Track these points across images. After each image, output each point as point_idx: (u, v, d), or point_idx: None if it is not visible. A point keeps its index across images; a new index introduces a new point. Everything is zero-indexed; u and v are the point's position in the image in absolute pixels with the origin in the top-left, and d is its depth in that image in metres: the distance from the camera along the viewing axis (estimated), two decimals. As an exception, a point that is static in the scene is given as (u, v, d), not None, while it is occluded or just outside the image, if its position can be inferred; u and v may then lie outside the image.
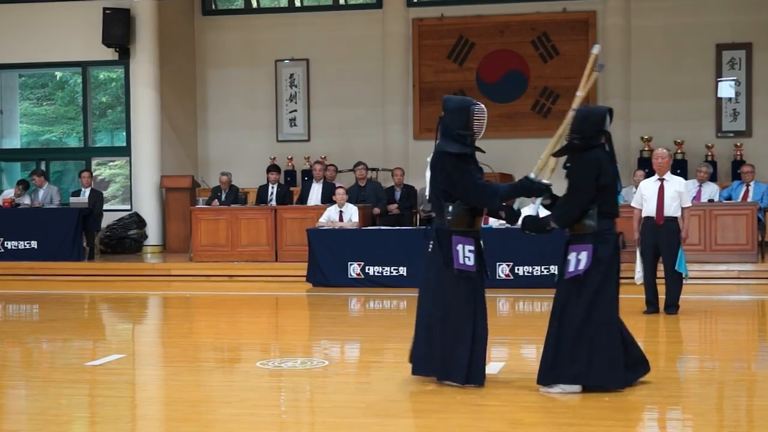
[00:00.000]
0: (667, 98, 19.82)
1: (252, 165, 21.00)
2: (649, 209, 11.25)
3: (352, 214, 15.49)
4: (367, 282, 14.62)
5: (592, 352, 6.93)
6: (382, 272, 14.66)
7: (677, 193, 11.25)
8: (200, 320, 12.47)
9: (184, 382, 7.95)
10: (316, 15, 21.85)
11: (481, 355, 7.29)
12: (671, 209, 11.19)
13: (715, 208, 15.27)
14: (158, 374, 8.54)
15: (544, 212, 7.41)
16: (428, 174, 7.38)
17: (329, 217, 15.48)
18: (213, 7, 22.26)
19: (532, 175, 7.33)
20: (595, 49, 7.72)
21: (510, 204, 7.44)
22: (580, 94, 7.56)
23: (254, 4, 22.36)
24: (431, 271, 7.36)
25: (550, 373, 7.05)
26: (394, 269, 14.61)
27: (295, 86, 21.72)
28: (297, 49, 21.57)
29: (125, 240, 19.27)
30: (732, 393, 7.34)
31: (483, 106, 7.37)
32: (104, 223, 19.18)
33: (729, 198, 15.93)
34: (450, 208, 7.25)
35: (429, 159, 7.38)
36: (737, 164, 18.18)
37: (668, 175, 11.37)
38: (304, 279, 14.98)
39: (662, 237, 11.15)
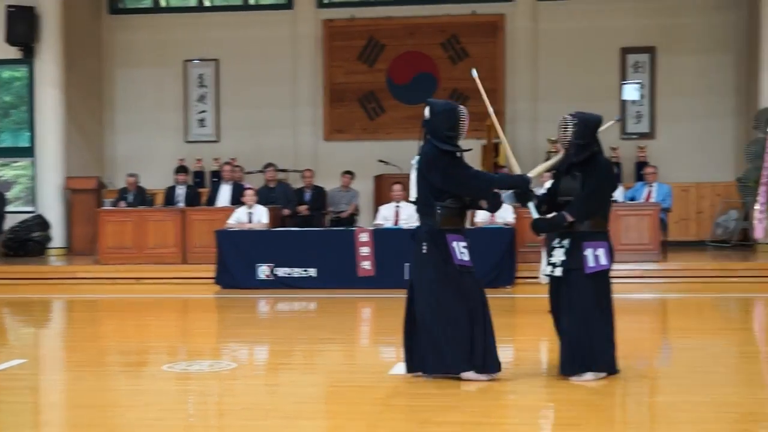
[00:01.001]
0: (574, 100, 20.00)
1: (160, 166, 20.76)
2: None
3: (261, 216, 15.41)
4: (277, 284, 14.56)
5: (604, 340, 7.56)
6: (291, 274, 14.61)
7: None
8: (106, 324, 12.27)
9: (89, 386, 7.81)
10: (225, 15, 21.71)
11: (494, 343, 7.49)
12: None
13: (620, 208, 15.49)
14: (62, 379, 8.39)
15: (533, 211, 7.70)
16: (413, 176, 7.55)
17: (238, 218, 15.38)
18: (121, 5, 21.97)
19: (531, 174, 7.74)
20: (474, 73, 8.42)
21: (497, 193, 7.70)
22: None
23: (163, 4, 22.13)
24: (428, 271, 7.47)
25: (581, 362, 7.45)
26: (304, 271, 14.57)
27: (205, 86, 21.55)
28: (206, 49, 21.40)
29: (28, 242, 18.90)
30: (635, 390, 7.45)
31: (465, 108, 7.66)
32: (6, 226, 18.79)
33: (633, 199, 16.21)
34: (438, 209, 7.43)
35: (414, 161, 7.55)
36: (641, 166, 18.51)
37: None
38: (213, 281, 14.86)
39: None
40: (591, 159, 7.55)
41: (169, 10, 22.17)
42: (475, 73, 8.38)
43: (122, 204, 17.50)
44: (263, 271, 14.66)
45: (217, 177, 19.03)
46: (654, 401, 7.23)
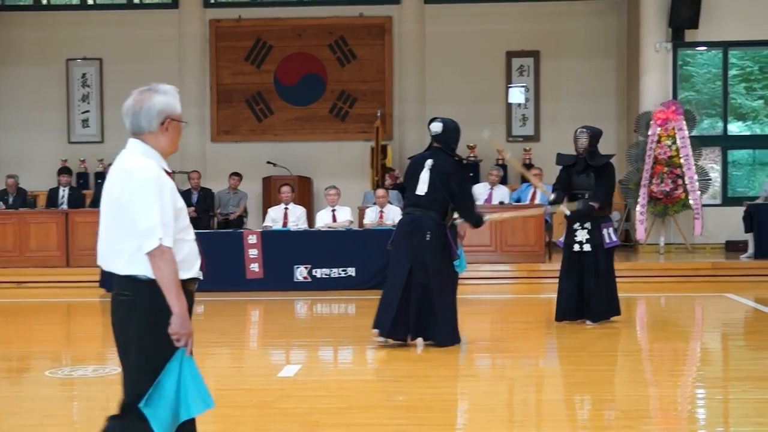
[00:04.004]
0: (461, 103, 20.32)
1: (42, 167, 20.35)
2: None
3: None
4: (163, 286, 14.36)
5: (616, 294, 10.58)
6: (178, 276, 14.41)
7: None
8: (-14, 328, 11.96)
9: (-31, 393, 7.61)
10: (109, 13, 21.35)
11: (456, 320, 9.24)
12: None
13: (505, 210, 15.70)
14: (-60, 386, 8.15)
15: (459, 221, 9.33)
16: (425, 175, 9.03)
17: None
18: (2, 2, 21.43)
19: (486, 218, 9.61)
20: (485, 134, 10.98)
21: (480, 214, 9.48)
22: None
23: (45, 1, 21.65)
24: (427, 254, 8.90)
25: (606, 309, 10.40)
26: (191, 273, 14.39)
27: (88, 86, 21.18)
28: (90, 48, 21.04)
29: None
30: (521, 388, 7.58)
31: None
32: None
33: (518, 200, 16.46)
34: (448, 208, 9.03)
35: (428, 164, 9.05)
36: (526, 167, 18.77)
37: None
38: (98, 284, 14.59)
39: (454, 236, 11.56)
40: (606, 160, 10.43)
41: (52, 7, 21.72)
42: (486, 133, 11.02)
43: (1, 206, 17.07)
44: (149, 273, 14.44)
45: (102, 178, 18.71)
46: (540, 399, 7.36)
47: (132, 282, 4.11)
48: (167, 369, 4.09)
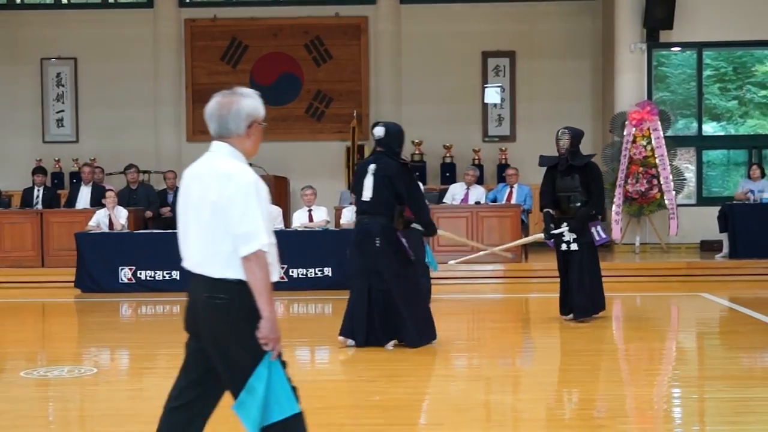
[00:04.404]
0: (437, 103, 20.36)
1: (16, 167, 20.23)
2: None
3: (120, 218, 15.14)
4: (139, 287, 14.33)
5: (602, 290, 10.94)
6: (154, 277, 14.40)
7: None
8: (-40, 329, 11.87)
9: (-57, 394, 7.56)
10: (84, 13, 21.21)
11: (431, 317, 9.29)
12: None
13: (482, 210, 15.78)
14: None
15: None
16: (369, 180, 8.98)
17: (99, 220, 15.08)
18: (-26, 1, 21.31)
19: (439, 232, 10.05)
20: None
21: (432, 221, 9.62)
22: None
23: (19, 0, 21.50)
24: (381, 260, 8.90)
25: (588, 305, 10.55)
26: (167, 273, 14.37)
27: (63, 86, 21.06)
28: (64, 47, 20.91)
29: None
30: (498, 388, 7.60)
31: None
32: None
33: (495, 200, 16.49)
34: (396, 210, 9.00)
35: (371, 168, 8.99)
36: (502, 167, 18.86)
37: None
38: (73, 285, 14.54)
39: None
40: (594, 165, 10.75)
41: (26, 6, 21.57)
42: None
43: (-24, 206, 16.96)
44: (125, 274, 14.42)
45: (77, 178, 18.62)
46: (516, 399, 7.38)
47: (227, 285, 4.17)
48: (257, 373, 4.15)
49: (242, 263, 4.11)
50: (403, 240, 9.08)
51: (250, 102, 4.40)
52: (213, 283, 4.20)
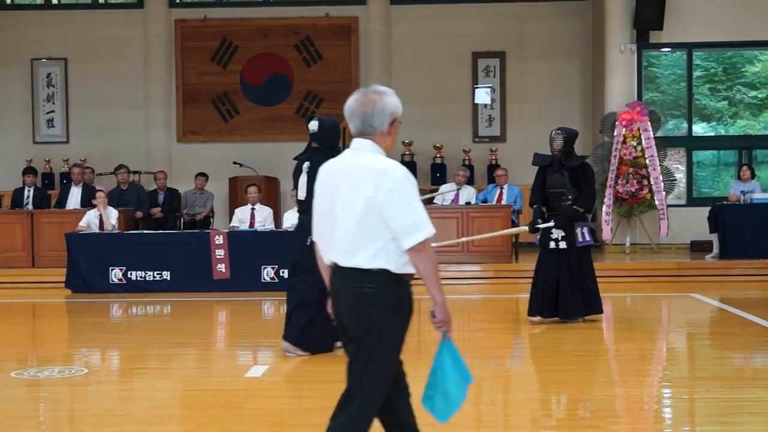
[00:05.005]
0: (427, 104, 20.36)
1: (7, 167, 20.19)
2: None
3: (111, 218, 15.12)
4: (129, 287, 14.31)
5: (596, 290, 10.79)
6: (144, 277, 14.38)
7: None
8: (-50, 330, 11.84)
9: (-67, 395, 7.54)
10: (74, 13, 21.17)
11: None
12: None
13: (472, 210, 15.79)
14: None
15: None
16: (303, 179, 8.80)
17: (89, 221, 15.06)
18: (-37, 1, 21.26)
19: None
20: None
21: None
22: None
23: (9, 0, 21.46)
24: (305, 259, 8.24)
25: (579, 307, 10.50)
26: (158, 274, 14.36)
27: (53, 86, 21.02)
28: (54, 47, 20.87)
29: None
30: (489, 389, 7.61)
31: None
32: None
33: (485, 201, 16.51)
34: None
35: (305, 166, 8.79)
36: (492, 168, 18.87)
37: None
38: (63, 285, 14.51)
39: None
40: (587, 164, 10.84)
41: (16, 7, 21.54)
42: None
43: (-34, 207, 16.92)
44: (116, 274, 14.40)
45: (67, 179, 18.58)
46: (507, 399, 7.39)
47: (376, 275, 4.29)
48: (439, 359, 4.42)
49: (409, 255, 4.27)
50: None
51: (392, 100, 4.52)
52: (361, 274, 4.31)
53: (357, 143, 4.47)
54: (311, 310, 8.57)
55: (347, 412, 4.39)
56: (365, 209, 4.28)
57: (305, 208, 8.67)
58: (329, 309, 4.54)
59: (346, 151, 4.50)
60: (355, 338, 4.36)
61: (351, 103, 4.49)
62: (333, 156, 8.62)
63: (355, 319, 4.33)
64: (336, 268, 4.41)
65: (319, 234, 4.53)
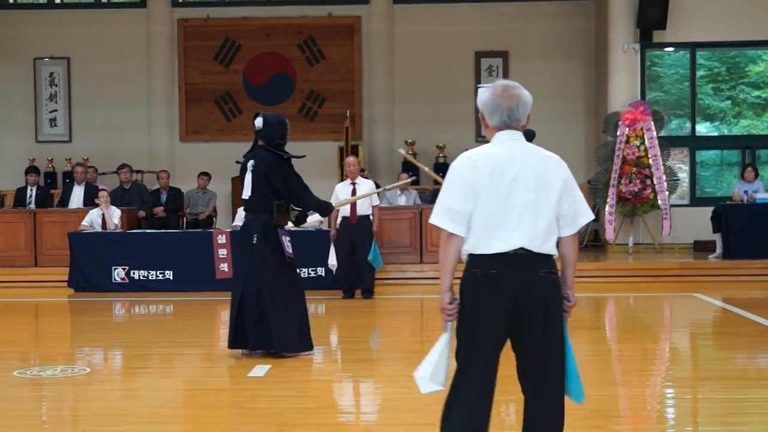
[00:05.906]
0: (430, 103, 20.34)
1: (9, 166, 20.20)
2: (345, 209, 12.75)
3: (113, 217, 15.12)
4: (132, 286, 14.31)
5: None
6: (147, 276, 14.38)
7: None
8: (-47, 329, 11.84)
9: (-65, 394, 7.54)
10: (77, 12, 21.17)
11: (307, 326, 8.71)
12: (362, 209, 12.88)
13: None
14: None
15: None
16: (248, 177, 8.69)
17: (92, 220, 15.06)
18: (-34, 1, 21.26)
19: (333, 202, 9.70)
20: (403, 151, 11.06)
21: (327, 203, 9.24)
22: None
23: (12, 0, 21.46)
24: (257, 259, 8.51)
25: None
26: (160, 273, 14.36)
27: (56, 85, 21.02)
28: (57, 47, 20.88)
29: None
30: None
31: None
32: None
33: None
34: (275, 206, 8.63)
35: (250, 164, 8.69)
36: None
37: (359, 179, 13.12)
38: (66, 284, 14.51)
39: (357, 233, 12.86)
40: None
41: (19, 6, 21.55)
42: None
43: (-31, 206, 16.92)
44: (118, 273, 14.39)
45: (70, 178, 18.58)
46: (509, 400, 7.37)
47: (553, 261, 4.48)
48: (568, 344, 4.52)
49: (566, 240, 4.51)
50: (285, 239, 8.63)
51: (528, 94, 4.61)
52: (549, 259, 4.46)
53: (510, 134, 4.55)
54: (285, 308, 8.51)
55: (559, 389, 4.58)
56: (556, 197, 4.44)
57: (247, 206, 8.78)
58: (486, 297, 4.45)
59: (503, 142, 4.51)
60: (545, 323, 4.44)
61: (491, 98, 4.56)
62: (278, 153, 8.67)
63: (542, 304, 4.42)
64: (522, 254, 4.41)
65: (496, 221, 4.43)
